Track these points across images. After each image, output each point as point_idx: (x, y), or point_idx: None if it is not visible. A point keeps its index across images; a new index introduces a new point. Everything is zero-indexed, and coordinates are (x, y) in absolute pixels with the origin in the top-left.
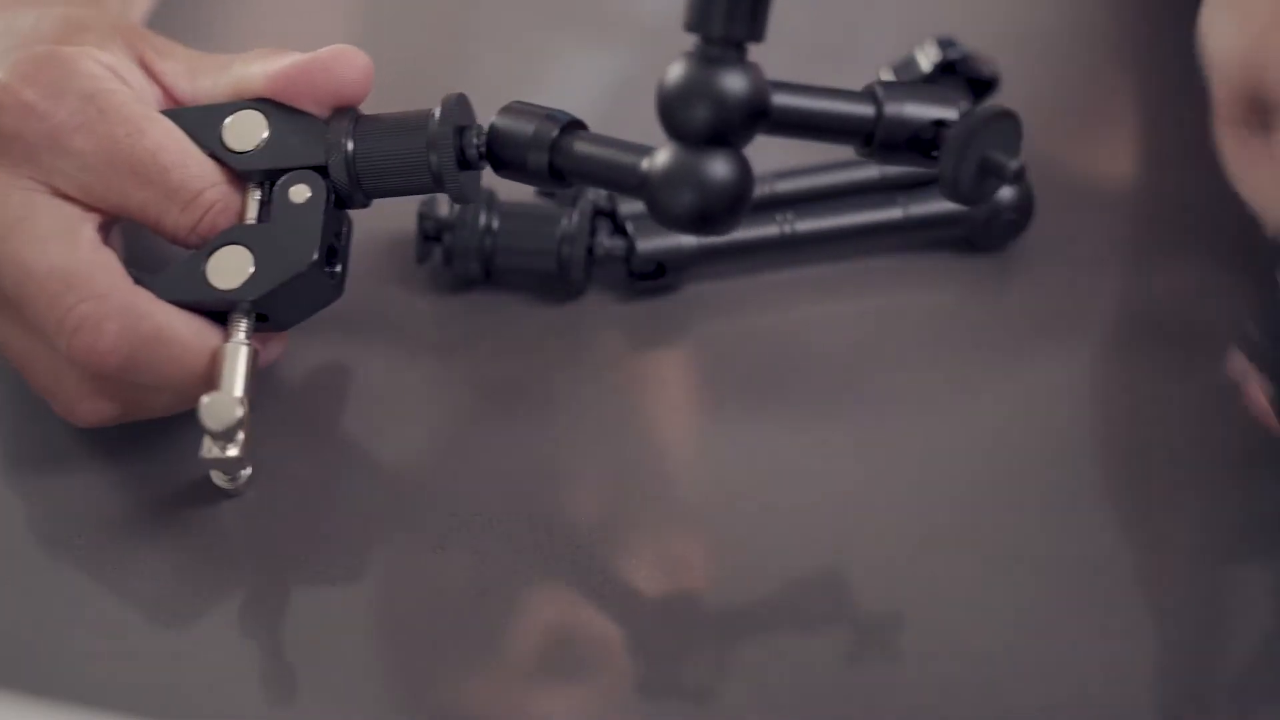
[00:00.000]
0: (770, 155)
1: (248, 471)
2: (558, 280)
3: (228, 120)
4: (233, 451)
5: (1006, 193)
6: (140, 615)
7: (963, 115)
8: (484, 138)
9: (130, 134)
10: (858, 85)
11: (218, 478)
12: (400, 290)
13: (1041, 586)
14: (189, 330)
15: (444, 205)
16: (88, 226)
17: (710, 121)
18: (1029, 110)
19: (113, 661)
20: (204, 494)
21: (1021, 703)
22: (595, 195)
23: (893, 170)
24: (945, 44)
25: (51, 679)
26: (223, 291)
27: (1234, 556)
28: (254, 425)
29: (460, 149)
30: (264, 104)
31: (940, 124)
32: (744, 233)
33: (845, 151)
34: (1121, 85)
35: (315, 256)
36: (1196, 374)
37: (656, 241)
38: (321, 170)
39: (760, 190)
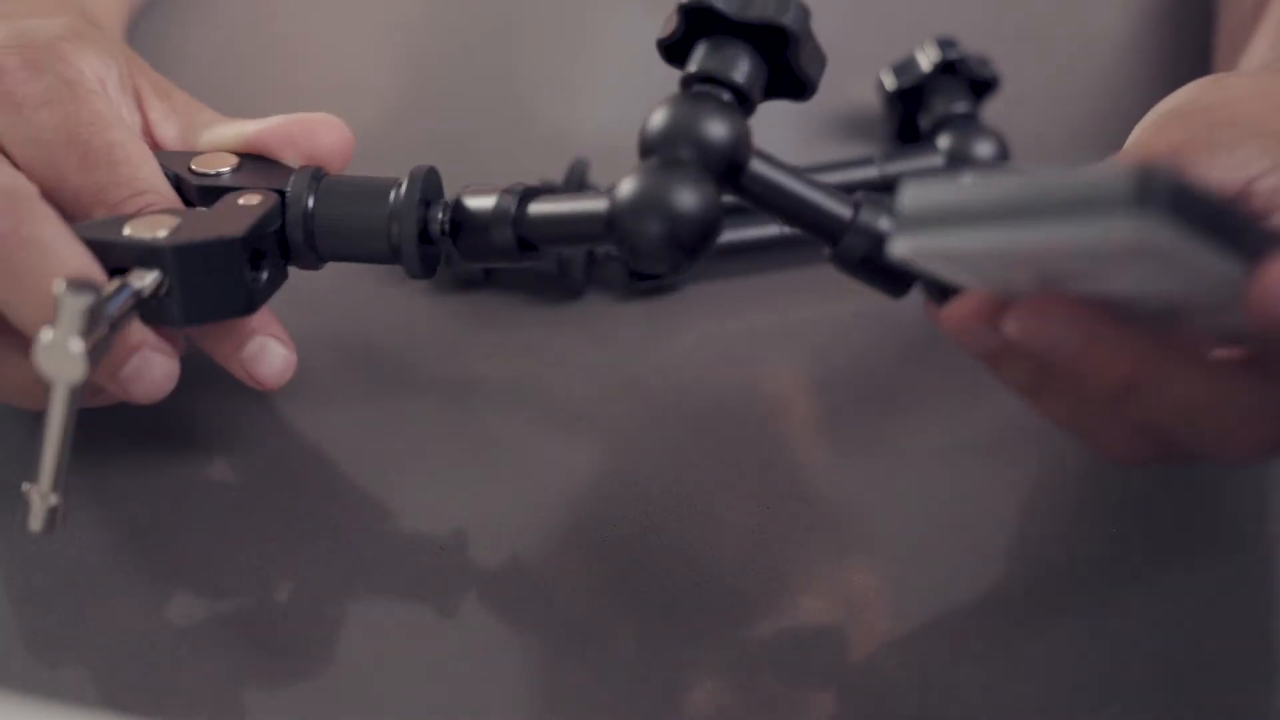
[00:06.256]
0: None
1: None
2: (558, 280)
3: (199, 155)
4: (54, 501)
5: None
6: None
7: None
8: (449, 213)
9: (94, 123)
10: (858, 86)
11: (36, 509)
12: (400, 290)
13: (1050, 585)
14: (71, 254)
15: None
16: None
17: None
18: (1028, 110)
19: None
20: (198, 496)
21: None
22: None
23: (893, 170)
24: (945, 44)
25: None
26: (134, 239)
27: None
28: (231, 429)
29: (424, 222)
30: (238, 153)
31: None
32: (744, 233)
33: (845, 152)
34: (1122, 84)
35: (243, 232)
36: None
37: None
38: (281, 195)
39: None
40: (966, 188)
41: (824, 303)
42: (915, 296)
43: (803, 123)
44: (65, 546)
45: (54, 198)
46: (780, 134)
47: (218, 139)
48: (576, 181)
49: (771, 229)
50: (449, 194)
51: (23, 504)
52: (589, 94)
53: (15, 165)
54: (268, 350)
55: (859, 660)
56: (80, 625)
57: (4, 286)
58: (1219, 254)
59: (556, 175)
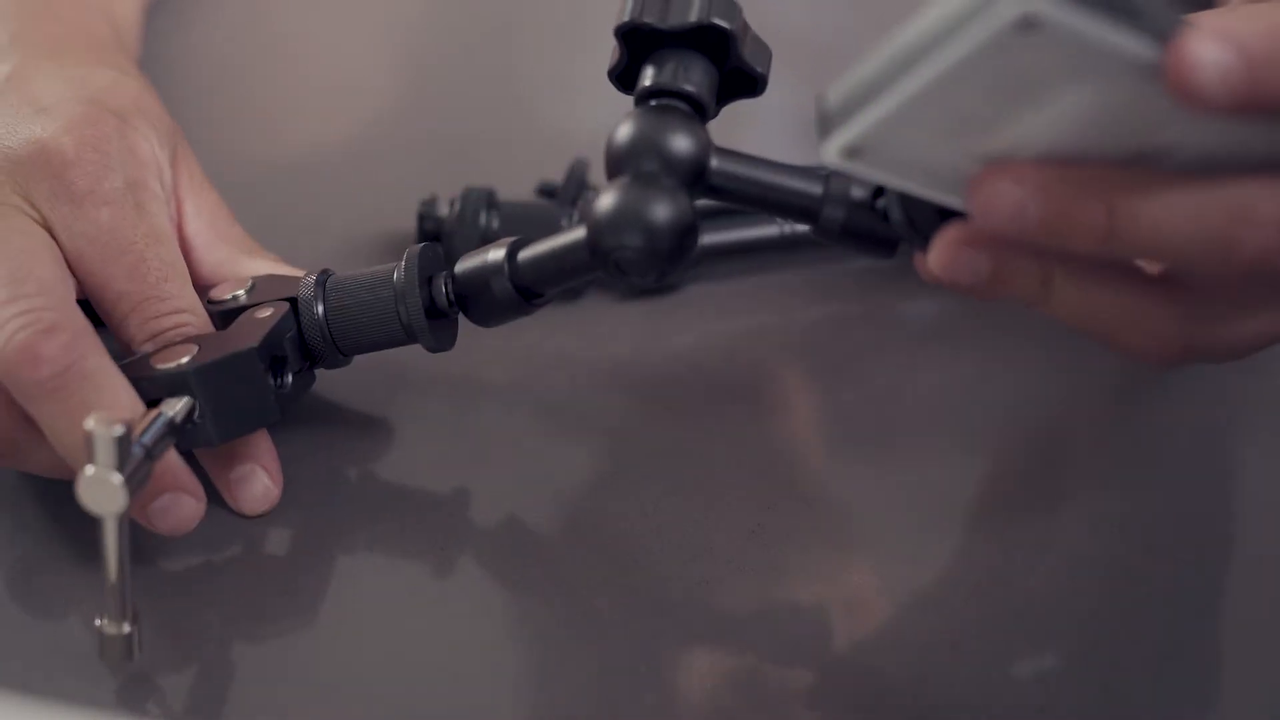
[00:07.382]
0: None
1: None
2: None
3: (216, 286)
4: (126, 630)
5: None
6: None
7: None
8: (452, 285)
9: (150, 236)
10: None
11: (112, 643)
12: None
13: (1050, 585)
14: (120, 388)
15: (444, 205)
16: (64, 265)
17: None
18: None
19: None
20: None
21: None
22: (595, 194)
23: None
24: None
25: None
26: (160, 372)
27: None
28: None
29: (429, 298)
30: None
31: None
32: (744, 233)
33: None
34: None
35: (258, 342)
36: (1205, 368)
37: None
38: (292, 303)
39: None
40: (875, 54)
41: (824, 303)
42: (909, 298)
43: (803, 124)
44: (65, 546)
45: (95, 295)
46: (780, 137)
47: (239, 277)
48: (577, 181)
49: (771, 229)
50: (450, 193)
51: (100, 637)
52: (589, 94)
53: (65, 252)
54: (253, 477)
55: (858, 659)
56: (80, 625)
57: (58, 416)
58: (1121, 31)
59: (556, 175)
